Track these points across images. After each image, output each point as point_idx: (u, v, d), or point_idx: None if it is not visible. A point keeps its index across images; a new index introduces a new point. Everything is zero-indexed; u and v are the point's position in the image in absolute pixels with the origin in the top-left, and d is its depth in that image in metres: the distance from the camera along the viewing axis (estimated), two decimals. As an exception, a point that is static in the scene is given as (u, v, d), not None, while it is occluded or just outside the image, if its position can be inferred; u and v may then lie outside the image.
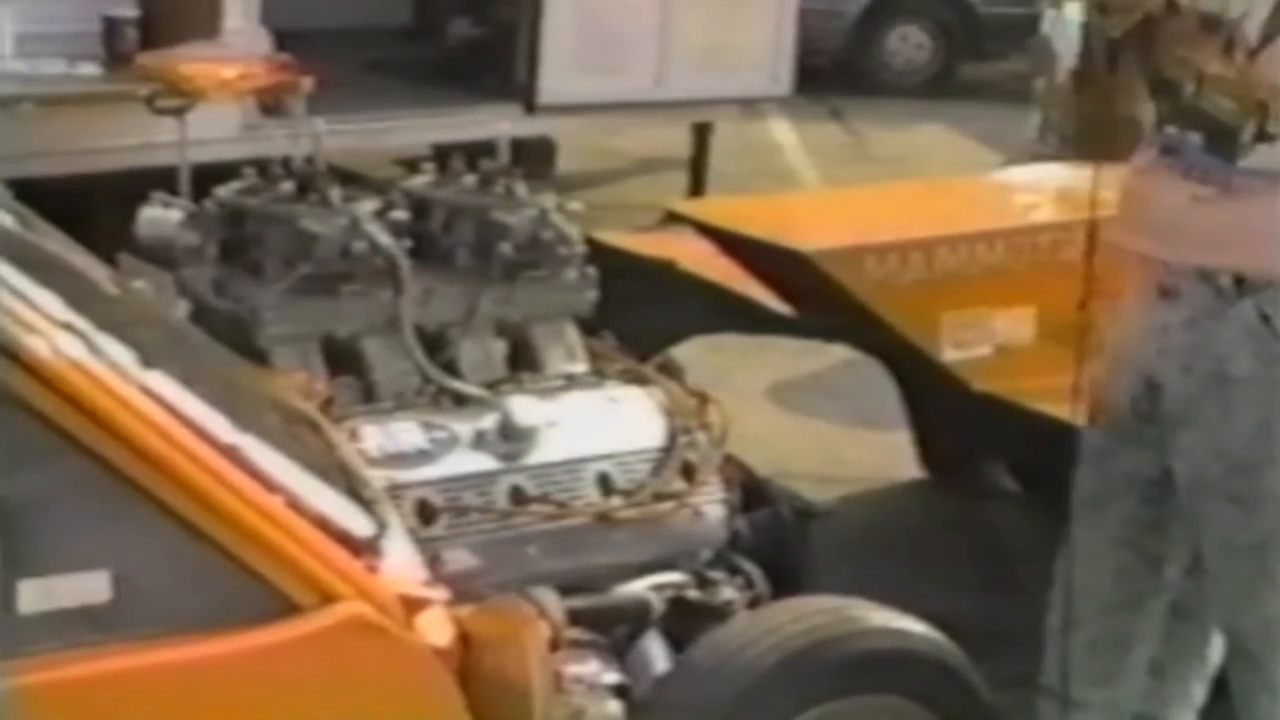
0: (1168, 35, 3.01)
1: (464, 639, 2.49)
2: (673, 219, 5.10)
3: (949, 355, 4.53)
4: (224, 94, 7.12)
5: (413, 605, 2.44)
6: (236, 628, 2.31)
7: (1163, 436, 3.10)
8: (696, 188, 9.30)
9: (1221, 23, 2.93)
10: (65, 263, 2.84)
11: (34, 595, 2.20)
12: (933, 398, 5.14)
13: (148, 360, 2.40)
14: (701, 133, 9.44)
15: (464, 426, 3.46)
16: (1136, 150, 3.13)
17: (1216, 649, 3.25)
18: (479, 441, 3.44)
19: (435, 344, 3.61)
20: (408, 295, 3.55)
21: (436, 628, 2.47)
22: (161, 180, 4.56)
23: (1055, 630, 3.29)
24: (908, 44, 13.76)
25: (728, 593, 3.51)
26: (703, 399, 3.74)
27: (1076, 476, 3.21)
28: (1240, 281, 2.96)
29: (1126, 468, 3.19)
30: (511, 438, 3.46)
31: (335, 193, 3.59)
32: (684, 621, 3.39)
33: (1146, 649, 3.26)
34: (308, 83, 7.16)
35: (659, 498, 3.54)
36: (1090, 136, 3.41)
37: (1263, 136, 2.90)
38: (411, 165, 4.20)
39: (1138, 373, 3.15)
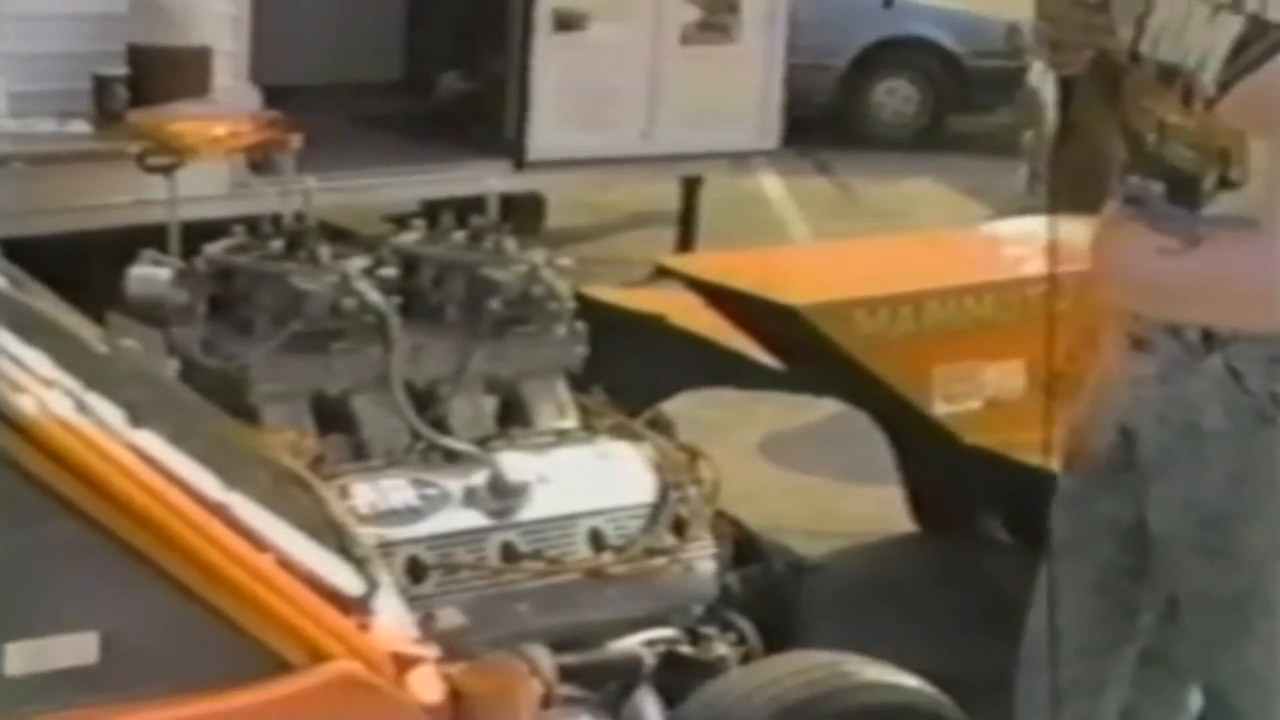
0: (1131, 85, 3.03)
1: (456, 696, 2.48)
2: (662, 274, 5.10)
3: (940, 408, 4.53)
4: (214, 151, 7.14)
5: (404, 663, 2.43)
6: (227, 687, 2.29)
7: (1138, 485, 3.11)
8: (686, 242, 9.31)
9: (1179, 73, 2.94)
10: (55, 321, 2.84)
11: (21, 657, 2.19)
12: (924, 451, 5.14)
13: (137, 419, 2.40)
14: (690, 187, 9.47)
15: (455, 483, 3.45)
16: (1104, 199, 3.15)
17: (1196, 699, 3.24)
18: (470, 498, 3.44)
19: (425, 400, 3.61)
20: (398, 352, 3.55)
21: (428, 685, 2.46)
22: (151, 238, 4.56)
23: (1026, 672, 3.28)
24: (895, 97, 13.80)
25: (720, 648, 3.50)
26: (694, 454, 3.74)
27: (1053, 520, 3.21)
28: (1208, 335, 2.97)
29: (1105, 513, 3.19)
30: (502, 494, 3.46)
31: (325, 250, 3.60)
32: (676, 677, 3.38)
33: (1118, 695, 3.25)
34: (297, 139, 7.18)
35: (650, 553, 3.53)
36: (1077, 188, 3.42)
37: (1225, 184, 2.91)
38: (401, 222, 4.20)
39: (1114, 421, 3.15)
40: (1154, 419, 3.07)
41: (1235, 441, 2.95)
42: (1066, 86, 3.13)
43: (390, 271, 3.68)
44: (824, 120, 12.75)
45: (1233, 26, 2.87)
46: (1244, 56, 2.86)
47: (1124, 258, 3.05)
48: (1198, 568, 3.04)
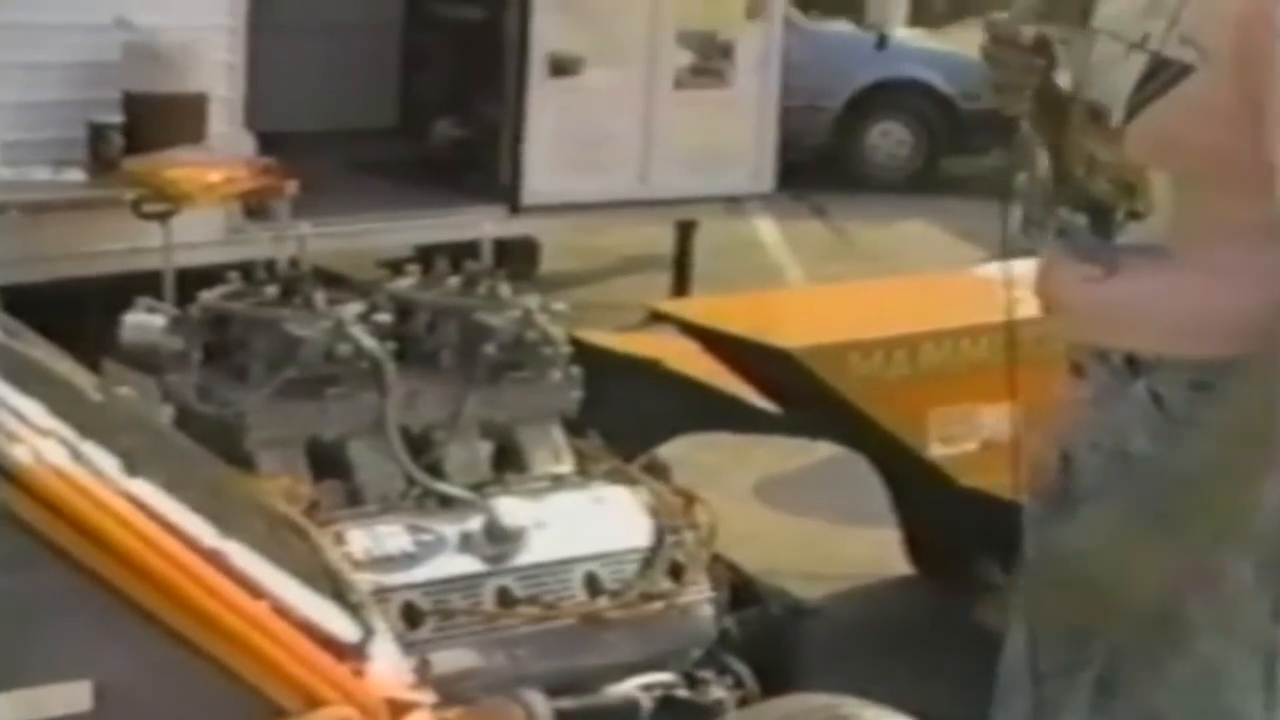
0: (1072, 122, 3.12)
1: (452, 743, 2.47)
2: (657, 318, 5.11)
3: (935, 451, 4.54)
4: (209, 198, 7.16)
5: (400, 709, 2.42)
6: (222, 735, 2.29)
7: (1074, 509, 3.14)
8: (681, 286, 9.34)
9: (1099, 109, 3.03)
10: (50, 370, 2.84)
11: (15, 706, 2.18)
12: (920, 493, 5.13)
13: (131, 467, 2.39)
14: (685, 231, 9.49)
15: (450, 529, 3.45)
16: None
17: None
18: (465, 543, 3.44)
19: (421, 446, 3.61)
20: (393, 397, 3.55)
21: (424, 732, 2.45)
22: (146, 285, 4.56)
23: (1000, 701, 3.31)
24: (889, 140, 13.86)
25: (717, 692, 3.49)
26: (689, 498, 3.73)
27: (1023, 545, 3.26)
28: (1132, 361, 3.02)
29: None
30: (498, 539, 3.45)
31: (319, 296, 3.60)
32: (674, 722, 3.38)
33: None
34: (291, 185, 7.20)
35: (647, 598, 3.52)
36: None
37: (1133, 214, 2.99)
38: (396, 267, 4.21)
39: (1056, 446, 3.21)
40: (1087, 444, 3.12)
41: (1160, 465, 2.99)
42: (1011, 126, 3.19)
43: (385, 317, 3.68)
44: (818, 163, 12.78)
45: (1139, 64, 2.96)
46: (1143, 93, 2.94)
47: (1056, 286, 3.13)
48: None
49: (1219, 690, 3.02)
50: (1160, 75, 2.92)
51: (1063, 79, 3.10)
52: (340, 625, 2.51)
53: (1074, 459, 3.15)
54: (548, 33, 8.65)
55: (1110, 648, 3.14)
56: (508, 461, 3.72)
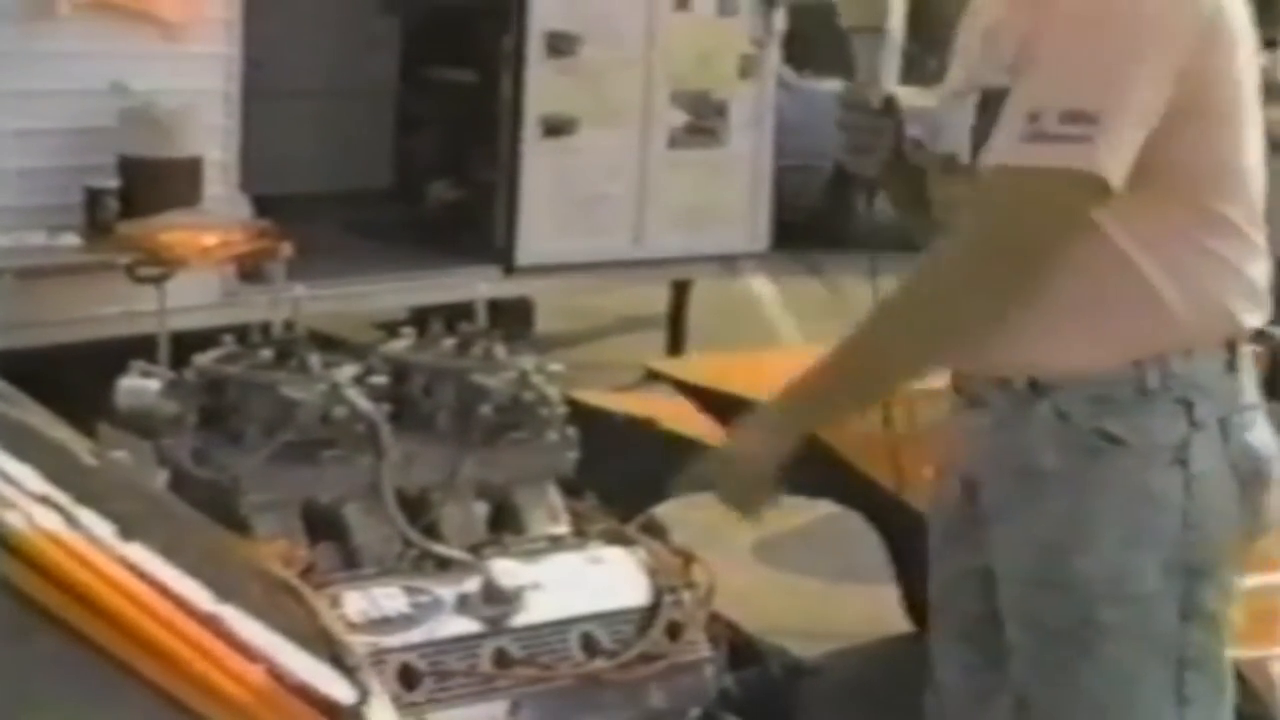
0: (929, 177, 3.27)
1: (450, 807, 2.46)
2: (652, 377, 5.11)
3: (933, 508, 4.52)
4: (204, 261, 7.17)
5: (397, 773, 2.41)
6: (218, 801, 2.27)
7: (981, 533, 3.18)
8: (676, 345, 9.33)
9: (952, 158, 3.15)
10: (44, 435, 2.83)
11: (10, 775, 2.17)
12: (918, 551, 5.11)
13: (127, 532, 2.39)
14: (680, 290, 9.50)
15: (447, 590, 3.44)
16: None
17: None
18: (462, 605, 3.43)
19: (417, 508, 3.60)
20: (388, 460, 3.55)
21: (421, 796, 2.44)
22: (142, 349, 4.56)
23: None
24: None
25: (717, 752, 3.49)
26: (687, 558, 3.73)
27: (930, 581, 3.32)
28: (1034, 384, 3.06)
29: (958, 564, 3.27)
30: (495, 600, 3.45)
31: (314, 359, 3.60)
32: (673, 783, 3.37)
33: None
34: (286, 248, 7.22)
35: (645, 658, 3.52)
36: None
37: None
38: (391, 329, 4.22)
39: (958, 476, 3.24)
40: (993, 466, 3.15)
41: (1069, 478, 3.03)
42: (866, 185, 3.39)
43: (380, 379, 3.68)
44: (813, 222, 12.79)
45: (973, 102, 3.07)
46: (981, 123, 3.04)
47: None
48: (1034, 599, 3.09)
49: (1131, 696, 3.03)
50: (990, 106, 3.00)
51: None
52: (337, 688, 2.50)
53: (978, 484, 3.18)
54: (541, 94, 8.67)
55: (1024, 662, 3.15)
56: (504, 523, 3.72)
